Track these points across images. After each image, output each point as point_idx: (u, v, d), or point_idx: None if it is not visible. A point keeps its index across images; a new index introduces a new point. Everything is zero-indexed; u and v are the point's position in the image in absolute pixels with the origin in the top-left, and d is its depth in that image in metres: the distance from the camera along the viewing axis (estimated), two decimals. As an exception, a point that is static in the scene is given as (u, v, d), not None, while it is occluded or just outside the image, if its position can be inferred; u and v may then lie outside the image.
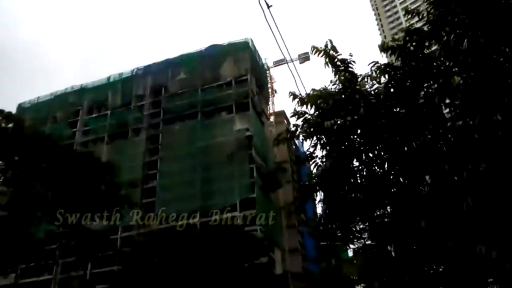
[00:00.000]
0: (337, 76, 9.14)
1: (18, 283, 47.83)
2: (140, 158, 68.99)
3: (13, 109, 69.09)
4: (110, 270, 43.21)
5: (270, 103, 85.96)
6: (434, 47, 8.41)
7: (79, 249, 21.16)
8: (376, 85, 8.92)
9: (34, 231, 19.56)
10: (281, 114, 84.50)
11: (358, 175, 8.79)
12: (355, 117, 8.06)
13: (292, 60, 11.34)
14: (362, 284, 24.30)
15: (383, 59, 9.53)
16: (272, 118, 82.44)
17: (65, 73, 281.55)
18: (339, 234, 9.28)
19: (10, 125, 19.51)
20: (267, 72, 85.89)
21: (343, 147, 8.47)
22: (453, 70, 8.15)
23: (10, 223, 18.31)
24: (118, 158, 59.33)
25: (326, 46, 9.21)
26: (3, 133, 18.88)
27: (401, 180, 8.47)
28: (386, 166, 8.50)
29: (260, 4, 8.03)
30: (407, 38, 8.52)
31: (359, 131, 8.40)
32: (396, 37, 8.91)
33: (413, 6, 9.80)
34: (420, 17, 8.68)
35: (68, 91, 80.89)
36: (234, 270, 27.07)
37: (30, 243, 19.28)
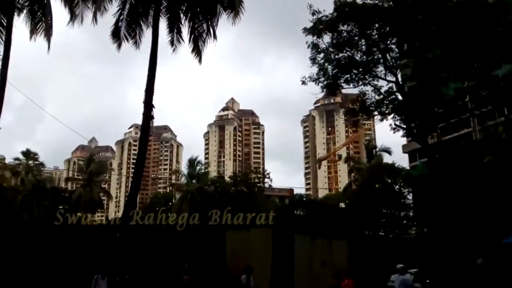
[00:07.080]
0: None
1: (441, 140, 52.25)
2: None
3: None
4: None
5: None
6: None
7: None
8: None
9: (444, 91, 20.46)
10: None
11: None
12: None
13: None
14: None
15: None
16: None
17: None
18: None
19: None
20: None
21: None
22: None
23: (421, 90, 19.81)
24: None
25: None
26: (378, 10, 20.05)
27: None
28: None
29: None
30: None
31: None
32: None
33: None
34: None
35: None
36: None
37: (443, 103, 20.28)
